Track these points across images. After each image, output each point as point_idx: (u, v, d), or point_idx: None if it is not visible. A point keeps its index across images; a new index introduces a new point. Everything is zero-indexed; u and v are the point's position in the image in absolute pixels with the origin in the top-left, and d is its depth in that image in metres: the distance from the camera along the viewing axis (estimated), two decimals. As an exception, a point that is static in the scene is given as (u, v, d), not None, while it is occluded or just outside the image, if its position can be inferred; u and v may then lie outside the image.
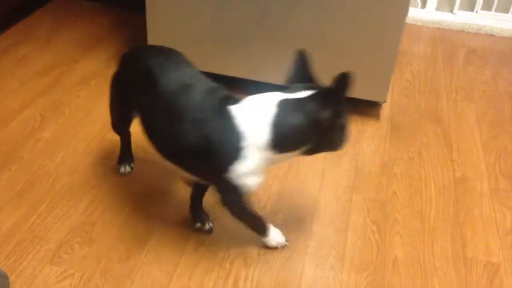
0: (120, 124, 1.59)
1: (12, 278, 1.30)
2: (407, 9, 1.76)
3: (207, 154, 1.23)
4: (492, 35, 2.68)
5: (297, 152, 1.26)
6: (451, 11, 2.75)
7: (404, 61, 2.42)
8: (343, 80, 1.14)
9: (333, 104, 1.19)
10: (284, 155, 1.26)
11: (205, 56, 1.99)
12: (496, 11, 2.68)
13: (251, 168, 1.24)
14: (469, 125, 2.01)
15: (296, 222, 1.55)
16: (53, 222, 1.48)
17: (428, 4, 2.74)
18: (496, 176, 1.76)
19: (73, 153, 1.73)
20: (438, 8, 2.75)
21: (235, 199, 1.32)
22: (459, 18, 2.72)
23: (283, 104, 1.20)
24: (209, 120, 1.23)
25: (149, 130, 1.35)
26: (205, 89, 1.29)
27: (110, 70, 2.16)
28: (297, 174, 1.73)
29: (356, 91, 1.92)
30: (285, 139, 1.22)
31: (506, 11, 2.67)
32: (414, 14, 2.75)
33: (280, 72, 1.99)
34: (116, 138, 1.81)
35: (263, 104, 1.22)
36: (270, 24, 1.87)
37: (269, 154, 1.23)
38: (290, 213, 1.58)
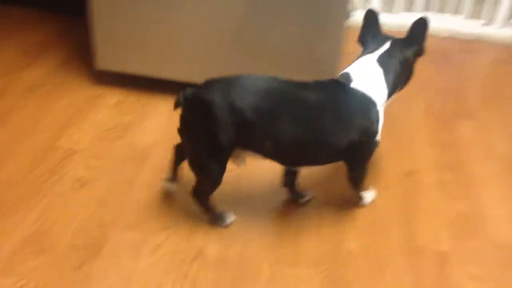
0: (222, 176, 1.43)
1: (-39, 292, 1.26)
2: (346, 13, 1.82)
3: (359, 137, 1.40)
4: (432, 36, 2.79)
5: (393, 96, 1.50)
6: (391, 11, 2.85)
7: (351, 62, 2.48)
8: (420, 24, 1.43)
9: (413, 44, 1.47)
10: (387, 103, 1.49)
11: (154, 61, 1.99)
12: (433, 11, 2.80)
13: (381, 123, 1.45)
14: (415, 120, 2.09)
15: (252, 219, 1.57)
16: (3, 233, 1.44)
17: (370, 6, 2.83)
18: (441, 169, 1.84)
19: (22, 162, 1.69)
20: (380, 9, 2.85)
21: (366, 163, 1.53)
22: (401, 19, 2.82)
23: (381, 60, 1.44)
24: (351, 108, 1.38)
25: (281, 152, 1.39)
26: (311, 87, 1.39)
27: (56, 79, 2.14)
28: (252, 169, 1.74)
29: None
30: (393, 87, 1.47)
31: (442, 11, 2.80)
32: (358, 16, 2.84)
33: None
34: (67, 146, 1.78)
35: (370, 69, 1.43)
36: (229, 30, 1.89)
37: (383, 107, 1.45)
38: (246, 210, 1.59)
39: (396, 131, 2.01)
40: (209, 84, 1.35)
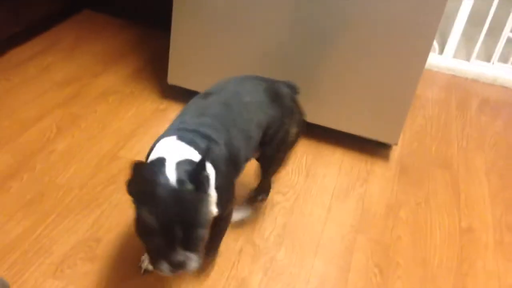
0: None
1: (13, 288, 1.31)
2: (427, 56, 1.78)
3: None
4: (506, 87, 2.70)
5: None
6: (468, 59, 2.77)
7: (417, 105, 2.44)
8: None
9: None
10: None
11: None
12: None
13: None
14: (478, 175, 2.02)
15: (298, 256, 1.55)
16: (59, 235, 1.49)
17: (445, 50, 2.77)
18: (501, 229, 1.76)
19: (85, 168, 1.75)
20: (455, 55, 2.78)
21: None
22: (475, 67, 2.75)
23: None
24: None
25: None
26: None
27: (126, 88, 2.21)
28: (303, 207, 1.74)
29: (369, 131, 1.97)
30: None
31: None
32: (431, 59, 2.79)
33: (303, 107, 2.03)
34: (130, 156, 1.83)
35: None
36: (296, 62, 1.90)
37: None
38: (293, 246, 1.58)
39: (457, 184, 1.95)
40: None
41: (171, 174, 1.06)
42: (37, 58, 2.31)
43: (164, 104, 2.14)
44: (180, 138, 1.18)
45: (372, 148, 2.05)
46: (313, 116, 2.00)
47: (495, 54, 2.71)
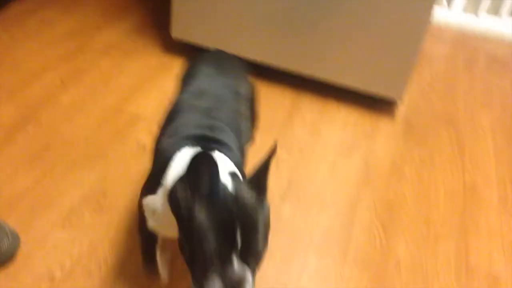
0: None
1: (22, 239, 1.32)
2: (433, 7, 1.74)
3: None
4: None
5: None
6: (476, 14, 2.71)
7: (424, 62, 2.41)
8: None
9: None
10: None
11: (228, 37, 1.99)
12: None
13: None
14: (483, 132, 2.01)
15: (303, 211, 1.57)
16: (66, 187, 1.50)
17: (453, 5, 2.71)
18: (505, 186, 1.77)
19: (90, 121, 1.75)
20: (464, 9, 2.72)
21: None
22: (484, 23, 2.69)
23: None
24: None
25: None
26: None
27: (130, 42, 2.18)
28: (308, 164, 1.74)
29: (373, 85, 1.95)
30: None
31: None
32: (438, 14, 2.73)
33: (307, 60, 2.00)
34: (134, 110, 1.83)
35: None
36: (300, 14, 1.86)
37: None
38: (298, 202, 1.59)
39: (463, 142, 1.95)
40: None
41: (227, 181, 0.92)
42: (37, 11, 2.27)
43: (167, 58, 2.12)
44: (206, 148, 1.01)
45: (377, 105, 2.04)
46: (315, 69, 1.98)
47: (503, 7, 2.63)
